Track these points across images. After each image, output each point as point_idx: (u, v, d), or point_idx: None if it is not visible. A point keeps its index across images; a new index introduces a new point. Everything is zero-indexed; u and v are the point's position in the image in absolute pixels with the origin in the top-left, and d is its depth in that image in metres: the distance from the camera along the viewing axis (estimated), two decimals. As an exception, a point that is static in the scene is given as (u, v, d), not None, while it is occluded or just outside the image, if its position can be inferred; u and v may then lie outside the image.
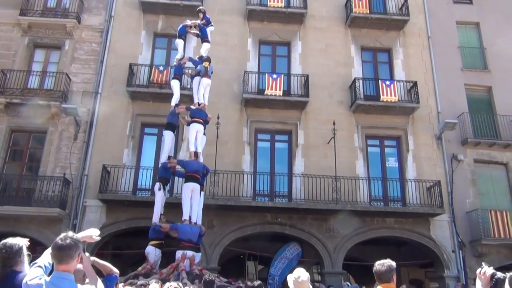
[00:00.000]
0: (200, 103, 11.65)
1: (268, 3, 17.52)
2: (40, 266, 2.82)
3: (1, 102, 15.30)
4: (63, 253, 2.69)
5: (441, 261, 15.25)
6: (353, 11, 17.62)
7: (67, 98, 15.78)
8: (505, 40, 18.16)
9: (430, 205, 15.29)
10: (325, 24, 18.10)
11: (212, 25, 13.16)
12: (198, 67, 12.17)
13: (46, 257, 2.90)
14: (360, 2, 17.76)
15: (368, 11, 17.75)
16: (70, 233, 2.80)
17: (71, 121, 15.52)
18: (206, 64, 12.03)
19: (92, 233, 3.16)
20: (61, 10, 17.24)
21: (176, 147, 15.39)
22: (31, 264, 2.91)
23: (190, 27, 12.89)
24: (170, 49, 17.18)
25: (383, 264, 3.59)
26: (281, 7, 17.51)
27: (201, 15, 12.93)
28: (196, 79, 12.05)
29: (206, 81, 11.92)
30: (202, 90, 11.83)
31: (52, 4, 17.48)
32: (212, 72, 12.36)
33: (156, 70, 16.02)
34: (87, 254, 3.16)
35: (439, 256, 15.26)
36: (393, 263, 3.59)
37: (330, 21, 18.18)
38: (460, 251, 15.12)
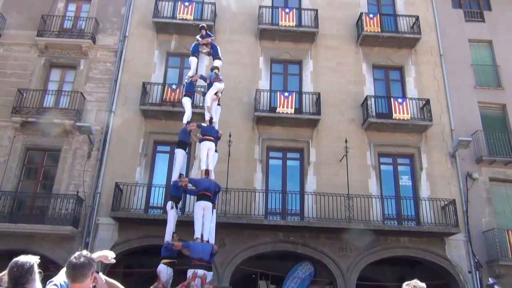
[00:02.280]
0: (211, 120, 11.66)
1: (280, 22, 17.71)
2: (55, 285, 2.83)
3: (17, 121, 15.60)
4: (77, 271, 2.70)
5: (457, 282, 14.90)
6: (364, 29, 17.72)
7: (81, 117, 16.03)
8: (518, 58, 18.06)
9: (445, 224, 15.03)
10: (336, 43, 18.21)
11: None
12: (208, 75, 12.25)
13: (61, 276, 2.91)
14: (371, 21, 17.87)
15: (379, 30, 17.82)
16: (85, 252, 2.82)
17: (85, 139, 15.71)
18: (216, 70, 12.14)
19: (108, 254, 3.16)
20: (76, 31, 17.66)
21: (188, 165, 15.46)
22: (47, 283, 2.92)
23: (203, 45, 13.02)
24: (183, 68, 17.40)
25: (409, 284, 3.45)
26: (292, 26, 17.68)
27: (204, 31, 13.04)
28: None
29: (218, 85, 11.85)
30: (209, 97, 11.79)
31: (68, 25, 17.92)
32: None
33: (169, 89, 16.22)
34: (100, 274, 3.16)
35: (455, 277, 14.92)
36: (420, 285, 3.36)
37: (341, 39, 18.29)
38: (477, 272, 14.77)
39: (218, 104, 12.13)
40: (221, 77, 12.10)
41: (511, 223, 15.63)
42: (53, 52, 17.19)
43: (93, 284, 2.99)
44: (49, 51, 17.17)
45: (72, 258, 2.75)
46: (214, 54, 12.92)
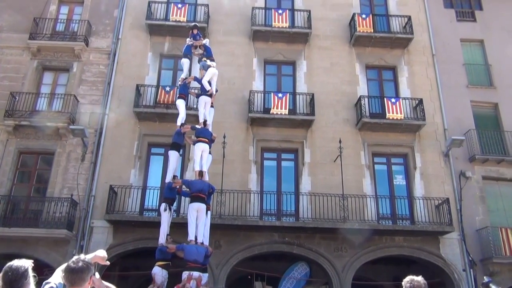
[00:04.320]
0: (205, 121, 11.65)
1: (273, 23, 17.74)
2: (52, 287, 2.84)
3: (10, 125, 15.51)
4: (75, 275, 2.72)
5: (451, 280, 15.00)
6: (357, 30, 17.80)
7: (75, 120, 15.96)
8: (510, 57, 18.22)
9: (439, 223, 15.12)
10: (329, 43, 18.27)
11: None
12: (200, 64, 12.29)
13: (57, 277, 2.92)
14: (364, 22, 17.95)
15: (372, 30, 17.91)
16: (82, 256, 2.84)
17: (78, 142, 15.65)
18: (205, 59, 12.18)
19: (101, 254, 3.18)
20: (69, 33, 17.57)
21: (183, 167, 15.45)
22: (44, 283, 2.92)
23: (196, 47, 13.01)
24: (176, 70, 17.37)
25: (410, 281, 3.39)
26: (285, 27, 17.72)
27: (195, 31, 13.03)
28: (202, 98, 12.03)
29: (213, 70, 11.91)
30: (203, 107, 11.77)
31: (61, 28, 17.83)
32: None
33: (163, 91, 16.20)
34: (97, 275, 3.17)
35: (449, 275, 15.02)
36: (417, 279, 3.33)
37: (334, 40, 18.35)
38: (471, 270, 14.86)
39: (212, 106, 12.14)
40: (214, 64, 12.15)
41: (504, 221, 15.75)
42: (46, 55, 17.11)
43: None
44: (41, 54, 17.08)
45: (70, 262, 2.77)
46: (207, 55, 12.92)
